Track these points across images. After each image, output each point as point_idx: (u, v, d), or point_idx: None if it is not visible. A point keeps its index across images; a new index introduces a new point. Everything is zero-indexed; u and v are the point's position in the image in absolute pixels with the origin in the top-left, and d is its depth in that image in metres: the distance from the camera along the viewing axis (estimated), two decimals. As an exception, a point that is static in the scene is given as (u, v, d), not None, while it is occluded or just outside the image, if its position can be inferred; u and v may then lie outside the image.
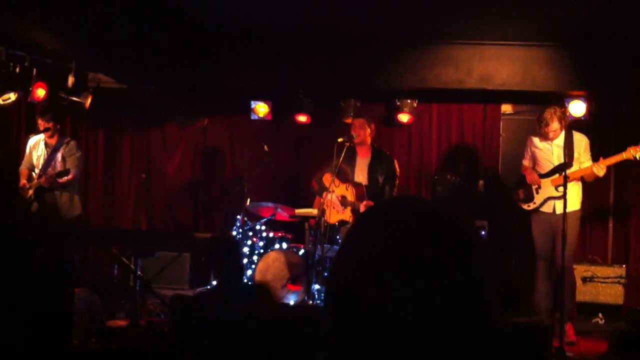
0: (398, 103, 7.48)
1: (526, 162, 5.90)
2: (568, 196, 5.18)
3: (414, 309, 0.90)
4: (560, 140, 5.62)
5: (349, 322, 0.93)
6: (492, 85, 6.85)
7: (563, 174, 5.23)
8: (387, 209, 1.05)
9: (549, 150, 5.71)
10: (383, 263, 0.93)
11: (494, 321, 0.95)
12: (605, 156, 5.49)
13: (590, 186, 6.00)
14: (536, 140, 5.79)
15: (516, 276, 6.88)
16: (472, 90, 7.01)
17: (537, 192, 5.71)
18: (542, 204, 5.68)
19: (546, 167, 5.71)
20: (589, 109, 6.93)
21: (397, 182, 6.25)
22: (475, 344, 0.91)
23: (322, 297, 5.73)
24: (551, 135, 5.60)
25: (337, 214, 6.10)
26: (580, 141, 5.63)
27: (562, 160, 5.50)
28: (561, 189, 5.37)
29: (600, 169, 5.41)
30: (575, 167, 5.54)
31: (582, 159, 5.58)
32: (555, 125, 5.54)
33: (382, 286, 0.92)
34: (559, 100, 6.64)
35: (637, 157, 5.31)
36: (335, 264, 1.03)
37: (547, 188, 5.67)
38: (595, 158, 5.58)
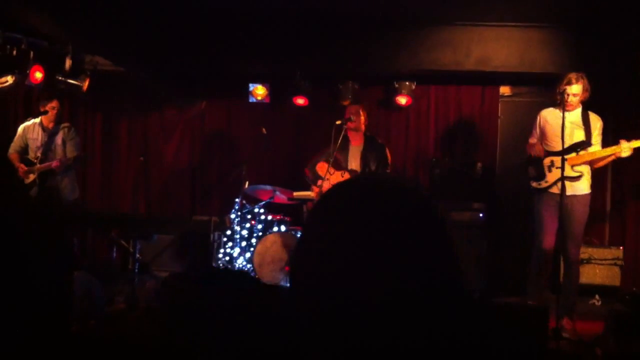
0: (396, 85, 7.45)
1: (533, 140, 5.32)
2: (582, 178, 5.01)
3: (381, 301, 0.87)
4: (573, 116, 5.09)
5: (320, 314, 0.90)
6: (490, 67, 6.81)
7: (581, 152, 4.94)
8: (346, 190, 1.00)
9: (559, 126, 4.98)
10: (346, 248, 0.90)
11: (471, 310, 0.92)
12: (629, 139, 5.02)
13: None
14: (548, 114, 5.25)
15: (512, 258, 6.90)
16: (470, 72, 6.98)
17: (550, 170, 5.15)
18: (554, 184, 5.12)
19: (557, 145, 5.09)
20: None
21: (389, 170, 6.23)
22: (456, 336, 0.88)
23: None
24: (570, 99, 5.01)
25: None
26: (596, 122, 5.14)
27: (574, 138, 5.07)
28: (577, 168, 5.04)
29: (626, 150, 4.97)
30: (594, 148, 5.11)
31: (593, 142, 5.11)
32: (577, 88, 5.01)
33: (348, 275, 0.88)
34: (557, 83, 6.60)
35: None
36: (299, 251, 0.97)
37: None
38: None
